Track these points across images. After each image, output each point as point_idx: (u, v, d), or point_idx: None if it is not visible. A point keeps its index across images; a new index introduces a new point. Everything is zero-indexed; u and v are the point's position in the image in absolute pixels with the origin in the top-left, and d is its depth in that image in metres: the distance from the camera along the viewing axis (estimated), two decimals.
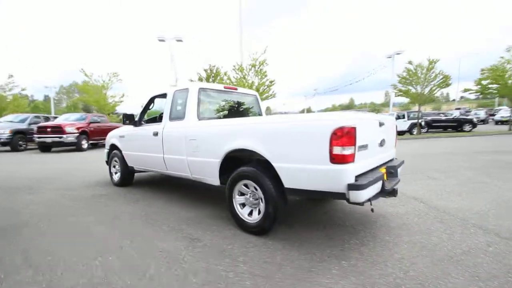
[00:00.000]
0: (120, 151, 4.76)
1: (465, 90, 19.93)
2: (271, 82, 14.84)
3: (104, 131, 15.32)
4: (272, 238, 2.58)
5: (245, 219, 2.72)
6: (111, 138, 5.08)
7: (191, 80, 20.83)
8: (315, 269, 2.04)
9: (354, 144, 2.02)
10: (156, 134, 3.79)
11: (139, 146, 4.21)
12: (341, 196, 2.08)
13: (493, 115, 31.36)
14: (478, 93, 19.39)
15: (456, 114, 24.99)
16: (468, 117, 21.50)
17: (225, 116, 3.98)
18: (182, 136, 3.36)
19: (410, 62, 16.99)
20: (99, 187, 4.89)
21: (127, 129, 4.59)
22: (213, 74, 20.40)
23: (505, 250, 2.28)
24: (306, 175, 2.18)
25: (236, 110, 4.21)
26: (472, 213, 3.14)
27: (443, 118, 20.73)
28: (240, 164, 2.83)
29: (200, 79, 20.44)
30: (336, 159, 2.01)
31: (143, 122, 4.37)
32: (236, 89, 4.11)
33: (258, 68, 14.58)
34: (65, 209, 3.62)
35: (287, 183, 2.33)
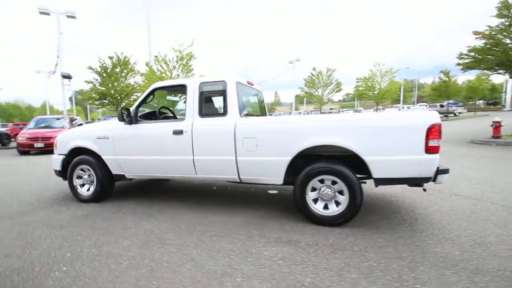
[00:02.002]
0: (97, 156, 3.68)
1: (347, 94, 25.34)
2: (200, 76, 14.22)
3: None
4: (351, 227, 2.76)
5: (321, 213, 2.79)
6: (73, 140, 3.83)
7: (90, 68, 17.38)
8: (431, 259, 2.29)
9: (440, 137, 2.50)
10: (179, 132, 3.20)
11: (143, 148, 3.41)
12: (427, 180, 2.53)
13: None
14: (356, 97, 25.10)
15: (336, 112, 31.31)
16: None
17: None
18: (228, 134, 3.01)
19: (314, 69, 20.08)
20: (63, 207, 3.64)
21: (112, 127, 3.61)
22: (120, 63, 17.75)
23: None
24: (400, 165, 2.52)
25: (252, 106, 4.07)
26: (476, 194, 3.73)
27: None
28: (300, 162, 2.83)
29: (104, 68, 17.39)
30: (431, 150, 2.44)
31: (140, 119, 3.56)
32: (253, 84, 3.96)
33: (186, 61, 13.71)
34: (68, 240, 2.60)
35: (378, 173, 2.59)
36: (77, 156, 3.81)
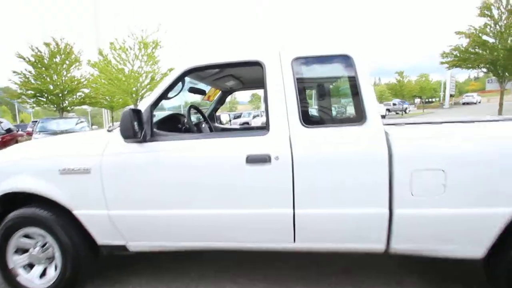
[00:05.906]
0: (59, 209, 1.78)
1: None
2: (170, 70, 11.96)
3: None
4: None
5: None
6: (9, 174, 1.85)
7: (20, 56, 13.75)
8: None
9: None
10: (262, 160, 1.53)
11: (177, 193, 1.65)
12: None
13: None
14: None
15: None
16: None
17: None
18: (376, 162, 1.47)
19: None
20: None
21: (98, 146, 1.76)
22: (61, 52, 14.44)
23: None
24: None
25: None
26: None
27: None
28: None
29: (39, 57, 13.90)
30: None
31: (158, 132, 1.76)
32: None
33: (152, 50, 11.30)
34: None
35: None
36: (14, 207, 1.85)
